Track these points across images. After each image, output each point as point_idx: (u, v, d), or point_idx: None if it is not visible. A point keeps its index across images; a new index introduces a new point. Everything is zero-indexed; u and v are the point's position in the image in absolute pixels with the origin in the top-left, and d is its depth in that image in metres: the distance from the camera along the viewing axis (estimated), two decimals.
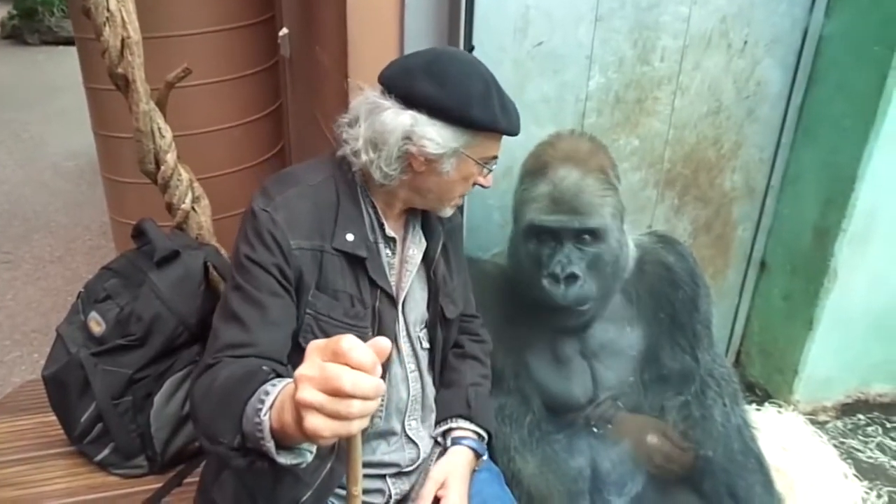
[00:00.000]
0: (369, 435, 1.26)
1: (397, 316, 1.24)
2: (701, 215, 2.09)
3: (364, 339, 1.14)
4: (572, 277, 1.43)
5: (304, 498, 1.12)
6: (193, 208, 1.69)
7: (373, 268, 1.17)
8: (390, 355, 0.74)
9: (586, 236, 1.44)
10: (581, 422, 1.58)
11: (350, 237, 1.15)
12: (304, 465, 0.86)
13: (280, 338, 1.09)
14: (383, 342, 0.71)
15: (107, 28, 1.48)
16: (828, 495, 1.90)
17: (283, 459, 0.83)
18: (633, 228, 1.70)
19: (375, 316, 1.18)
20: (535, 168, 1.50)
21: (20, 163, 4.65)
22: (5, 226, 3.78)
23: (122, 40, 1.48)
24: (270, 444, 0.81)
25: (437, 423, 1.34)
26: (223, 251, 1.76)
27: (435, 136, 1.10)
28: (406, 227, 1.28)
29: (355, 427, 0.70)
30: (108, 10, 1.48)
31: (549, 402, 1.59)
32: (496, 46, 1.66)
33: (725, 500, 1.53)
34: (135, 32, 1.49)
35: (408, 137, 1.11)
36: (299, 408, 0.71)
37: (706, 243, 2.14)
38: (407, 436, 1.29)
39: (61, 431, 1.54)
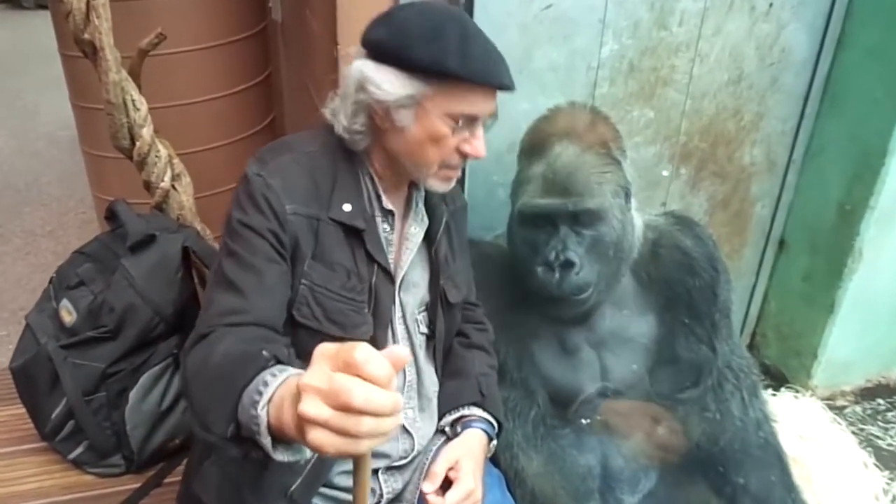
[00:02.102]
0: None
1: (395, 295, 1.18)
2: (718, 191, 1.99)
3: (360, 315, 1.08)
4: (568, 265, 1.33)
5: (294, 487, 1.08)
6: (173, 186, 1.59)
7: (370, 241, 1.11)
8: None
9: (584, 218, 1.34)
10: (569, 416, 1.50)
11: (347, 207, 1.09)
12: (302, 462, 0.81)
13: (276, 304, 1.04)
14: (401, 351, 0.64)
15: None
16: (847, 487, 1.83)
17: (281, 456, 0.77)
18: (647, 205, 1.60)
19: (372, 293, 1.12)
20: (531, 146, 1.41)
21: (12, 132, 4.53)
22: None
23: (87, 2, 1.37)
24: (267, 441, 0.75)
25: (447, 412, 1.28)
26: (208, 231, 1.66)
27: (382, 80, 1.03)
28: (408, 202, 1.21)
29: (364, 446, 0.63)
30: None
31: (554, 394, 1.51)
32: (501, 10, 1.55)
33: (742, 497, 1.46)
34: None
35: (361, 87, 1.05)
36: (302, 421, 0.65)
37: (723, 220, 2.05)
38: (402, 425, 1.22)
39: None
